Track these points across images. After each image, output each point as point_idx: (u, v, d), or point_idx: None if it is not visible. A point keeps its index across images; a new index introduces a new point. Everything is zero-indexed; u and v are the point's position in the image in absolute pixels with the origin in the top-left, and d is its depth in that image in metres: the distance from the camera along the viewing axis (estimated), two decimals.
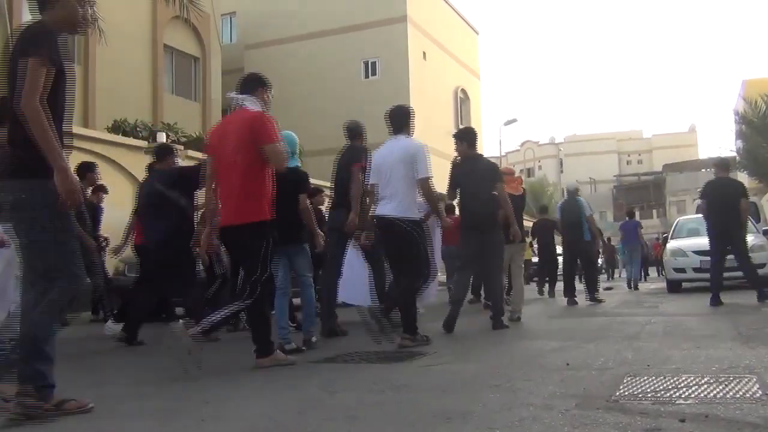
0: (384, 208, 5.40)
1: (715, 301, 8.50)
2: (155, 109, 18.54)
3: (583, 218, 10.34)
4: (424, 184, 5.39)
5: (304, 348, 5.45)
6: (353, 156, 6.33)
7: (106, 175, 11.51)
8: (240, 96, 4.62)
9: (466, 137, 6.96)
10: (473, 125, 30.12)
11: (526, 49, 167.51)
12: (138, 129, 14.62)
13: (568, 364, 4.17)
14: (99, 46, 14.92)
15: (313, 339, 5.70)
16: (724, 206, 8.65)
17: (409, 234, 5.30)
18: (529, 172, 76.34)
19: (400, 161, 5.36)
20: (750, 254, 9.28)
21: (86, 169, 7.66)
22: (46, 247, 3.10)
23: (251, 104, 4.58)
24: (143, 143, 13.05)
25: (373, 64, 25.02)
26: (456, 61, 29.12)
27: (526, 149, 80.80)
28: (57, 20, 3.20)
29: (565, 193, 12.64)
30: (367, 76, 25.15)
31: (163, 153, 7.06)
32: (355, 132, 6.70)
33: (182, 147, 13.84)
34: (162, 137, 13.42)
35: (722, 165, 9.46)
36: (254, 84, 4.75)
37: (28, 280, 3.17)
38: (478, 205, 6.60)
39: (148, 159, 12.41)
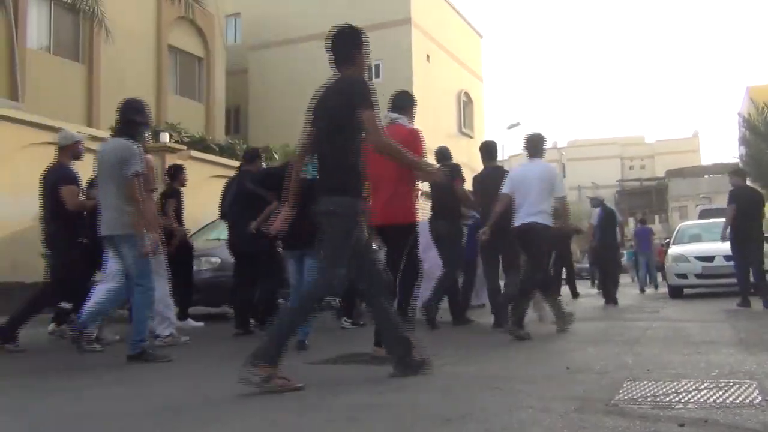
0: (525, 217, 6.30)
1: (745, 303, 8.83)
2: (159, 109, 18.55)
3: (617, 225, 11.27)
4: (564, 200, 6.66)
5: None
6: (453, 174, 7.03)
7: None
8: (393, 115, 5.27)
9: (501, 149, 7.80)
10: (476, 129, 30.17)
11: (529, 52, 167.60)
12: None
13: (568, 368, 4.17)
14: (104, 45, 14.94)
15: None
16: (747, 215, 9.08)
17: (545, 237, 6.33)
18: None
19: (539, 180, 6.34)
20: None
21: (178, 171, 8.13)
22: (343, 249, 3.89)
23: (404, 122, 5.22)
24: (147, 143, 13.07)
25: (377, 66, 25.02)
26: (459, 64, 29.12)
27: None
28: (360, 74, 4.16)
29: (590, 202, 13.13)
30: (370, 79, 25.10)
31: (252, 156, 7.69)
32: (447, 155, 8.11)
33: (185, 147, 13.86)
34: (165, 137, 13.42)
35: (740, 173, 9.82)
36: (408, 102, 5.43)
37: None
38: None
39: (152, 159, 12.47)
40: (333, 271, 3.88)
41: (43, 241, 6.31)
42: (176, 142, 14.36)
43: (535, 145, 6.67)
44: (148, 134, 7.04)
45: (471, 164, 27.87)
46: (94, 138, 12.03)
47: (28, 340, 6.15)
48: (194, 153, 13.99)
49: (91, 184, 6.24)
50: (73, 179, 6.18)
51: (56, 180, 6.10)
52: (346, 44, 4.21)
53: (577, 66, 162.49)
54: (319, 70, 25.84)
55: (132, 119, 5.21)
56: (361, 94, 3.95)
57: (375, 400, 3.40)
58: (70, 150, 6.32)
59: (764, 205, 9.35)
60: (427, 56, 25.89)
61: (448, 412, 3.03)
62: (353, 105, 3.92)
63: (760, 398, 3.14)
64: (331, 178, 3.98)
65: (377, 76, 25.07)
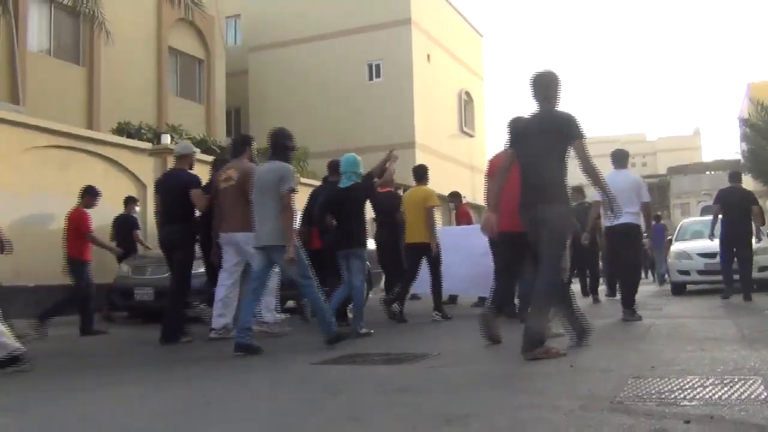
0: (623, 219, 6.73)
1: (727, 296, 9.58)
2: (159, 111, 18.56)
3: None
4: (648, 205, 7.61)
5: (372, 331, 6.61)
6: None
7: (110, 177, 11.54)
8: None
9: None
10: (477, 128, 30.13)
11: (530, 51, 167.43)
12: (142, 131, 14.63)
13: (572, 366, 4.16)
14: (104, 48, 14.94)
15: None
16: (737, 213, 9.64)
17: (640, 234, 7.72)
18: None
19: (628, 187, 7.31)
20: (756, 256, 10.37)
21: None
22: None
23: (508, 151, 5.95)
24: (148, 145, 13.05)
25: (377, 66, 24.99)
26: (460, 64, 29.08)
27: None
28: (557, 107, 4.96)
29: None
30: (371, 79, 25.12)
31: (336, 166, 7.82)
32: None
33: None
34: (166, 139, 13.40)
35: (734, 177, 10.37)
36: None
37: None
38: None
39: (152, 161, 12.50)
40: (557, 268, 4.75)
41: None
42: (177, 143, 14.35)
43: (620, 159, 7.74)
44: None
45: (472, 163, 27.93)
46: (92, 140, 12.07)
47: (30, 343, 6.15)
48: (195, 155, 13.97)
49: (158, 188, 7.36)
50: (199, 184, 6.96)
51: (186, 184, 6.83)
52: (550, 86, 4.97)
53: (577, 64, 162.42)
54: (318, 71, 25.91)
55: (284, 144, 5.93)
56: (576, 127, 4.83)
57: (378, 400, 3.39)
58: (188, 159, 7.15)
59: (755, 203, 9.72)
60: (428, 56, 25.87)
61: (453, 411, 3.02)
62: (568, 135, 4.81)
63: (765, 394, 3.13)
64: (546, 190, 4.78)
65: (378, 76, 25.06)
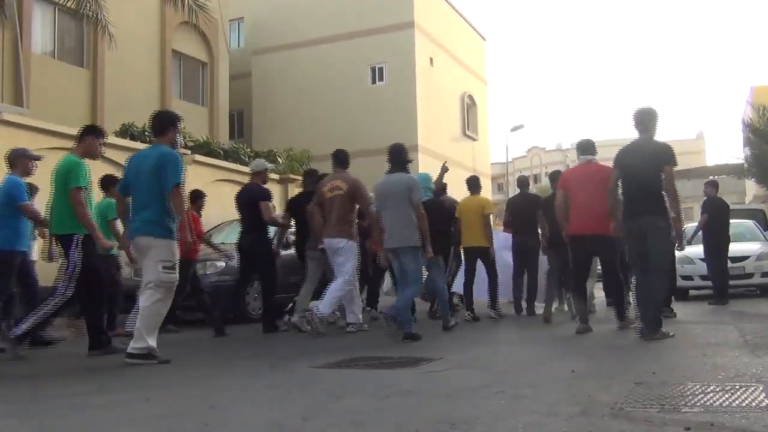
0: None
1: (721, 302, 9.66)
2: None
3: None
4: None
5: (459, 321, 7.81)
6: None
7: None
8: (587, 156, 6.98)
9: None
10: (480, 131, 30.14)
11: (533, 55, 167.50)
12: (146, 133, 14.65)
13: (573, 371, 4.16)
14: (108, 51, 14.98)
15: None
16: (719, 223, 9.93)
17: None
18: (536, 178, 76.14)
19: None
20: (759, 261, 10.96)
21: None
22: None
23: (594, 161, 6.99)
24: None
25: (380, 69, 25.02)
26: (463, 67, 29.10)
27: (532, 155, 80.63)
28: (654, 136, 6.14)
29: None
30: (374, 82, 25.14)
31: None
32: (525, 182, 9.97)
33: (189, 152, 13.88)
34: None
35: (713, 184, 10.41)
36: (591, 149, 7.04)
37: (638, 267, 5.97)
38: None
39: None
40: (665, 270, 6.14)
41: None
42: (180, 146, 14.37)
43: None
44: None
45: (475, 167, 27.92)
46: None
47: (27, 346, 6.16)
48: (198, 157, 14.02)
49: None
50: (269, 197, 7.97)
51: (257, 197, 7.82)
52: (651, 120, 6.07)
53: (581, 68, 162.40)
54: (321, 73, 25.92)
55: (404, 159, 6.97)
56: (670, 156, 5.87)
57: (379, 404, 3.39)
58: (261, 175, 8.22)
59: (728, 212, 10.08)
60: (431, 59, 25.89)
61: (454, 416, 3.02)
62: (663, 160, 5.86)
63: (766, 401, 3.13)
64: (653, 204, 5.87)
65: (381, 79, 25.10)
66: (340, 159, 7.71)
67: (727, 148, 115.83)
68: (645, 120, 6.07)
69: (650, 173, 5.90)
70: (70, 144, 10.94)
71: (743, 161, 30.14)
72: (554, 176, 8.64)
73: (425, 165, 22.40)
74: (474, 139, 29.25)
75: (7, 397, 4.00)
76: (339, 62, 24.83)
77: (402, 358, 5.04)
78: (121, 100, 16.90)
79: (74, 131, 11.24)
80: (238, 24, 26.86)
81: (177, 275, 5.40)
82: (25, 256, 6.67)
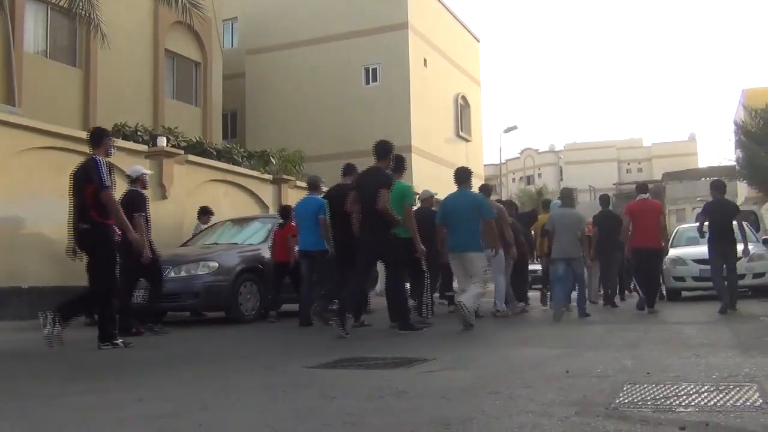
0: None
1: (725, 309, 8.73)
2: (156, 114, 18.54)
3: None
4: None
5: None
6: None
7: None
8: (643, 196, 9.69)
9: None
10: (473, 132, 30.18)
11: (526, 56, 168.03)
12: (138, 133, 14.60)
13: (567, 372, 4.16)
14: (100, 50, 14.92)
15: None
16: (723, 228, 9.23)
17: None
18: (529, 180, 76.39)
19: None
20: (751, 263, 10.89)
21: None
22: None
23: (649, 197, 9.75)
24: (144, 147, 13.04)
25: (374, 70, 25.02)
26: (457, 68, 29.14)
27: (526, 157, 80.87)
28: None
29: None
30: (367, 83, 25.15)
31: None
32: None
33: (183, 151, 13.83)
34: (162, 141, 13.39)
35: (717, 187, 9.78)
36: (645, 188, 9.95)
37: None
38: None
39: (148, 163, 12.45)
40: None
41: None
42: (173, 146, 14.33)
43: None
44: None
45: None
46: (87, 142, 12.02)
47: (30, 344, 6.13)
48: (191, 157, 13.97)
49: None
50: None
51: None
52: (719, 186, 9.14)
53: (574, 69, 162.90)
54: (315, 74, 25.92)
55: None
56: (737, 208, 8.85)
57: (374, 405, 3.38)
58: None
59: (737, 213, 9.57)
60: (425, 60, 25.92)
61: (448, 416, 3.01)
62: (734, 211, 9.39)
63: (760, 401, 3.13)
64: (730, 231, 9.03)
65: (374, 80, 25.10)
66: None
67: (719, 150, 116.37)
68: (716, 187, 9.57)
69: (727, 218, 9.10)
70: (61, 143, 10.98)
71: (735, 163, 30.27)
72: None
73: (418, 166, 22.42)
74: (467, 140, 29.29)
75: (3, 398, 3.97)
76: (333, 63, 24.82)
77: (396, 359, 5.03)
78: (114, 99, 16.84)
79: (66, 131, 11.28)
80: (232, 24, 26.81)
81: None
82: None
